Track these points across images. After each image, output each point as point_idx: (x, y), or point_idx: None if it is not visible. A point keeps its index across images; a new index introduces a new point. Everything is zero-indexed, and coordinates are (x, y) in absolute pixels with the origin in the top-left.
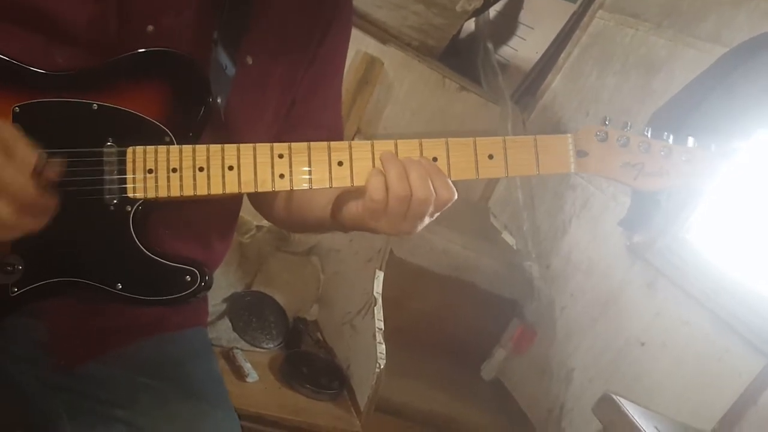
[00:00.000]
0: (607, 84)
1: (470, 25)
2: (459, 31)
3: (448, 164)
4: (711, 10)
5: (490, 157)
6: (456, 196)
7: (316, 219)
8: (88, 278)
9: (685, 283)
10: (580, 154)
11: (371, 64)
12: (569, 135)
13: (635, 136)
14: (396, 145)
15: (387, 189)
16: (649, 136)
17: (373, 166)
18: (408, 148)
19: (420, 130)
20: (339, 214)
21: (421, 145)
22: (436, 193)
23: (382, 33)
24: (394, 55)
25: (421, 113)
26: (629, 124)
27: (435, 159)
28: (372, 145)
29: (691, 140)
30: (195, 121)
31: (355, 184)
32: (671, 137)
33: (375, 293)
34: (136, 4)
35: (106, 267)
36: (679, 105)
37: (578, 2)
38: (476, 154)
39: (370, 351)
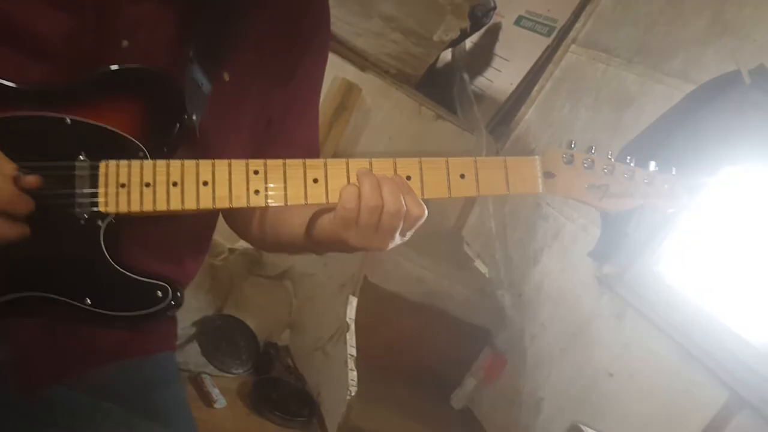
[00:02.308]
0: (579, 117)
1: (447, 55)
2: (436, 61)
3: (422, 183)
4: (680, 48)
5: (462, 176)
6: (426, 214)
7: (291, 238)
8: (56, 293)
9: (653, 315)
10: (548, 175)
11: (349, 90)
12: (537, 157)
13: (599, 159)
14: (371, 164)
15: (359, 199)
16: (612, 159)
17: (348, 182)
18: (382, 167)
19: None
20: (312, 230)
21: (395, 164)
22: (407, 207)
23: (360, 60)
24: (372, 82)
25: (397, 140)
26: (593, 148)
27: (409, 178)
28: (347, 163)
29: (652, 164)
30: (170, 137)
31: (330, 201)
32: (633, 161)
33: (348, 319)
34: (112, 19)
35: (75, 281)
36: (649, 139)
37: (552, 36)
38: (448, 174)
39: (342, 378)
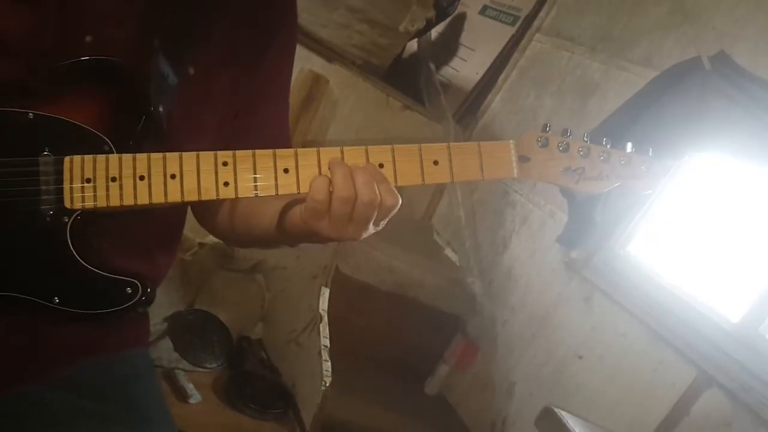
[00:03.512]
0: (544, 104)
1: (413, 45)
2: (402, 51)
3: (394, 170)
4: (642, 35)
5: (435, 163)
6: (400, 202)
7: (263, 231)
8: (22, 292)
9: (620, 298)
10: (522, 159)
11: (316, 81)
12: (511, 141)
13: (575, 142)
14: (342, 152)
15: (331, 190)
16: (588, 141)
17: (320, 172)
18: (354, 155)
19: None
20: (284, 222)
21: (367, 151)
22: (381, 197)
23: (327, 51)
24: (338, 73)
25: (365, 131)
26: (569, 131)
27: (381, 165)
28: (318, 152)
29: (629, 145)
30: (135, 130)
31: (302, 191)
32: (609, 142)
33: (321, 310)
34: (75, 14)
35: (42, 280)
36: (613, 126)
37: (516, 25)
38: (422, 161)
39: (316, 369)
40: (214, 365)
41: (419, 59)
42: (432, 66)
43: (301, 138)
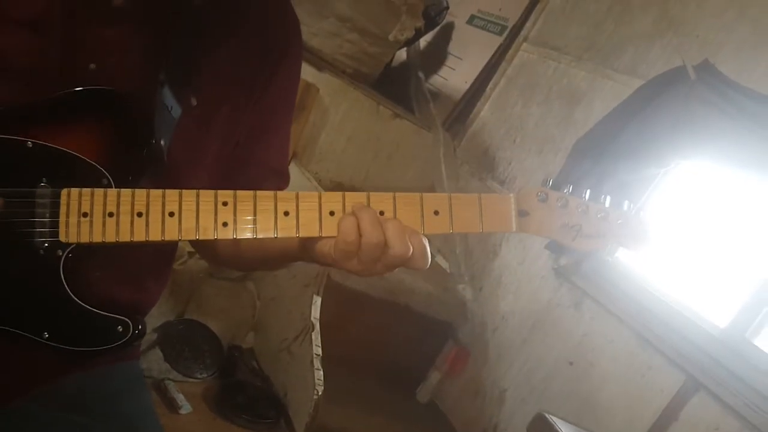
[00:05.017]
0: (532, 113)
1: (402, 54)
2: (392, 60)
3: (395, 218)
4: (628, 44)
5: (436, 213)
6: (429, 264)
7: (280, 251)
8: (11, 325)
9: (609, 304)
10: (522, 213)
11: (307, 89)
12: (512, 195)
13: (574, 199)
14: (344, 197)
15: (359, 233)
16: (587, 198)
17: (320, 216)
18: (356, 201)
19: (355, 156)
20: (312, 247)
21: (368, 198)
22: (413, 248)
23: (317, 60)
24: (329, 81)
25: (356, 139)
26: (570, 186)
27: (382, 212)
28: (319, 196)
29: (626, 204)
30: (136, 163)
31: (301, 234)
32: (608, 199)
33: (312, 318)
34: (80, 41)
35: (32, 314)
36: (600, 134)
37: (504, 35)
38: (422, 210)
39: (308, 377)
40: (205, 375)
41: (409, 68)
42: (421, 75)
43: (293, 147)
